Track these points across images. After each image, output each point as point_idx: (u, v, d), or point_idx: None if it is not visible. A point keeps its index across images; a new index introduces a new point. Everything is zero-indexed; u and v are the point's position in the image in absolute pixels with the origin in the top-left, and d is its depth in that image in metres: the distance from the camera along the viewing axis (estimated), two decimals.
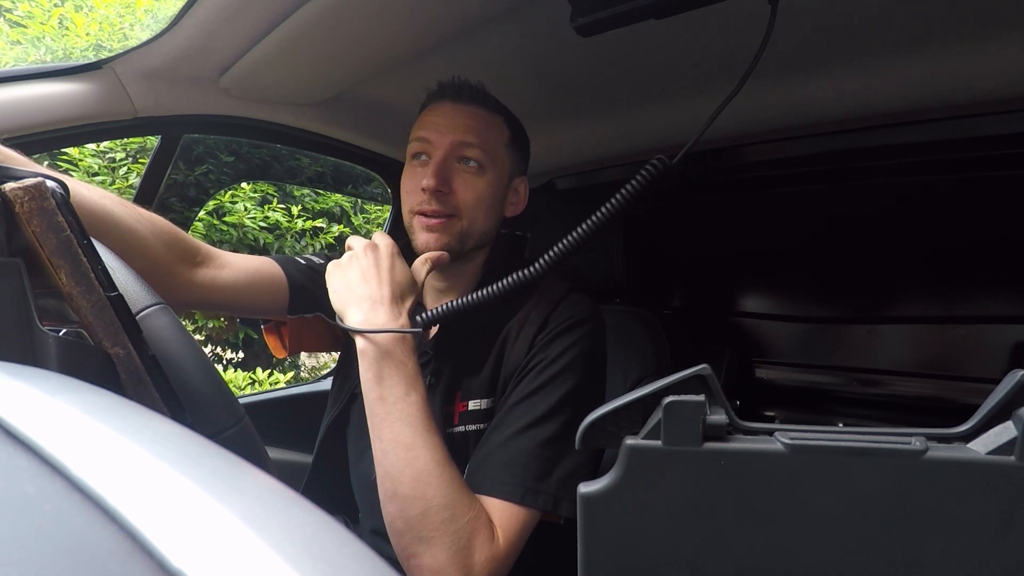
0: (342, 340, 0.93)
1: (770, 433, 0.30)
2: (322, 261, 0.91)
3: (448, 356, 0.82)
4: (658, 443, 0.30)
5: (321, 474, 0.93)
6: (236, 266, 0.82)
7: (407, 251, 0.81)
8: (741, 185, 1.29)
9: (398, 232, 1.49)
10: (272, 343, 0.90)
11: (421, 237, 0.80)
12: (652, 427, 0.30)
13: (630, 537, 0.30)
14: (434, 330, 0.82)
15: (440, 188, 0.78)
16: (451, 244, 0.80)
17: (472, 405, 0.79)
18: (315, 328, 0.89)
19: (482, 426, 0.77)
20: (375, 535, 0.84)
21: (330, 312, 0.79)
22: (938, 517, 0.28)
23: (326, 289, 0.78)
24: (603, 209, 0.67)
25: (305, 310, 0.86)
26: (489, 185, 0.82)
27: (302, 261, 0.91)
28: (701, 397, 0.30)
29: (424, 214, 0.79)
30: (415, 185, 0.80)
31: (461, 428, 0.78)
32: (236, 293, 0.81)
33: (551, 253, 0.68)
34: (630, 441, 0.30)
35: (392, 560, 0.68)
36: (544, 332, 0.79)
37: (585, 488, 0.31)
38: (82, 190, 0.63)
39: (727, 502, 0.30)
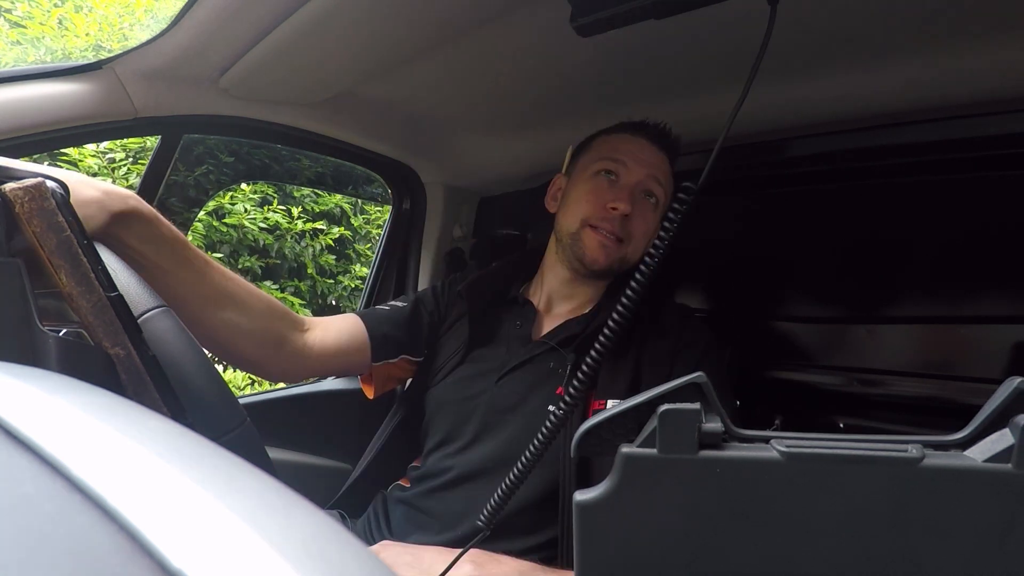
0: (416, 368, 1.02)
1: (766, 441, 0.30)
2: (404, 304, 1.00)
3: (584, 355, 0.87)
4: (653, 451, 0.30)
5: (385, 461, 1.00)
6: (336, 327, 0.89)
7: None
8: (739, 186, 1.29)
9: (398, 233, 1.49)
10: (366, 389, 1.00)
11: (593, 252, 0.88)
12: (647, 435, 0.30)
13: (626, 545, 0.30)
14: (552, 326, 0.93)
15: (628, 213, 0.86)
16: (613, 265, 0.89)
17: (611, 403, 0.83)
18: (399, 367, 0.98)
19: None
20: (400, 503, 0.90)
21: (408, 348, 0.95)
22: (935, 524, 0.28)
23: (405, 330, 0.93)
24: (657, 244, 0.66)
25: (385, 354, 0.93)
26: (656, 223, 0.92)
27: (386, 308, 0.99)
28: (696, 405, 0.30)
29: (602, 230, 0.87)
30: (599, 199, 0.88)
31: None
32: (339, 353, 0.88)
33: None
34: (625, 449, 0.30)
35: None
36: (684, 347, 0.88)
37: (581, 496, 0.31)
38: (216, 273, 0.69)
39: (723, 510, 0.30)
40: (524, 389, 0.88)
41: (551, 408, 0.84)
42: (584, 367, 0.62)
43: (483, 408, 0.88)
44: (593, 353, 0.83)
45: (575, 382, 0.84)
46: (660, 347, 0.87)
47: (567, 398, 0.55)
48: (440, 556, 0.73)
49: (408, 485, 0.94)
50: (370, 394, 0.98)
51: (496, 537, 0.81)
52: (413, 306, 0.99)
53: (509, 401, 0.88)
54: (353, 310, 1.09)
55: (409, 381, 1.05)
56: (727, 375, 0.90)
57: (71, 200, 0.51)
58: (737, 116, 1.12)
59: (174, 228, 0.64)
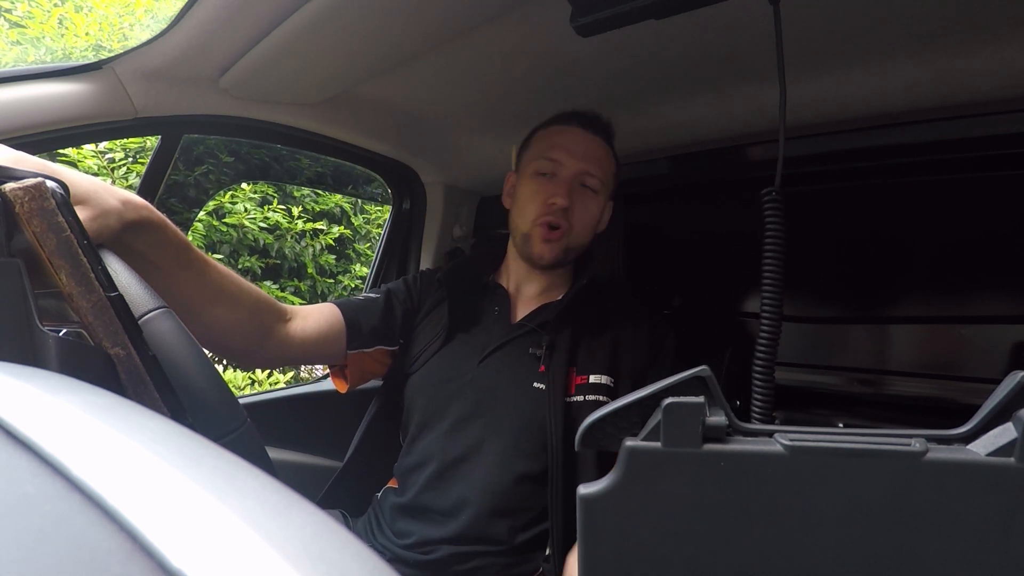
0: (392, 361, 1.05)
1: (770, 434, 0.30)
2: (377, 295, 1.02)
3: (560, 334, 0.93)
4: (658, 444, 0.30)
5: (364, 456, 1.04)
6: (314, 316, 0.91)
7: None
8: (740, 186, 1.29)
9: (398, 232, 1.49)
10: (338, 384, 1.01)
11: (539, 250, 0.95)
12: (652, 428, 0.30)
13: (630, 538, 0.30)
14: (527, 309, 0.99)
15: (568, 206, 0.92)
16: (559, 256, 0.95)
17: (593, 379, 0.91)
18: (374, 359, 1.00)
19: (603, 398, 0.89)
20: (402, 512, 0.92)
21: (384, 337, 0.97)
22: (938, 518, 0.28)
23: (380, 319, 0.96)
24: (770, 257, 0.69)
25: (360, 342, 0.96)
26: (598, 207, 0.98)
27: (359, 298, 1.01)
28: (700, 399, 0.30)
29: (549, 226, 0.93)
30: (541, 198, 0.94)
31: (579, 397, 0.89)
32: (318, 341, 0.90)
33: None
34: (630, 443, 0.30)
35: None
36: (660, 338, 0.97)
37: (585, 489, 0.31)
38: (214, 272, 0.71)
39: (727, 503, 0.30)
40: (507, 368, 0.92)
41: (536, 385, 0.89)
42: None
43: (468, 389, 0.92)
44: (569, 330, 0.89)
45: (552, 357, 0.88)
46: (636, 334, 0.96)
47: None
48: None
49: (397, 486, 0.96)
50: (342, 388, 1.00)
51: (494, 514, 0.85)
52: (386, 297, 1.02)
53: (494, 381, 0.92)
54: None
55: (386, 373, 1.07)
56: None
57: (92, 207, 0.52)
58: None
59: (179, 232, 0.66)
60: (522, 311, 1.00)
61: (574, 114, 0.99)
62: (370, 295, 1.02)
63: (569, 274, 1.04)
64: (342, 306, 0.95)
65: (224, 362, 3.62)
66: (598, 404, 0.87)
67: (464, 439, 0.89)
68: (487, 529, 0.85)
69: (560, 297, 0.99)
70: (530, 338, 0.94)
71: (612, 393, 0.90)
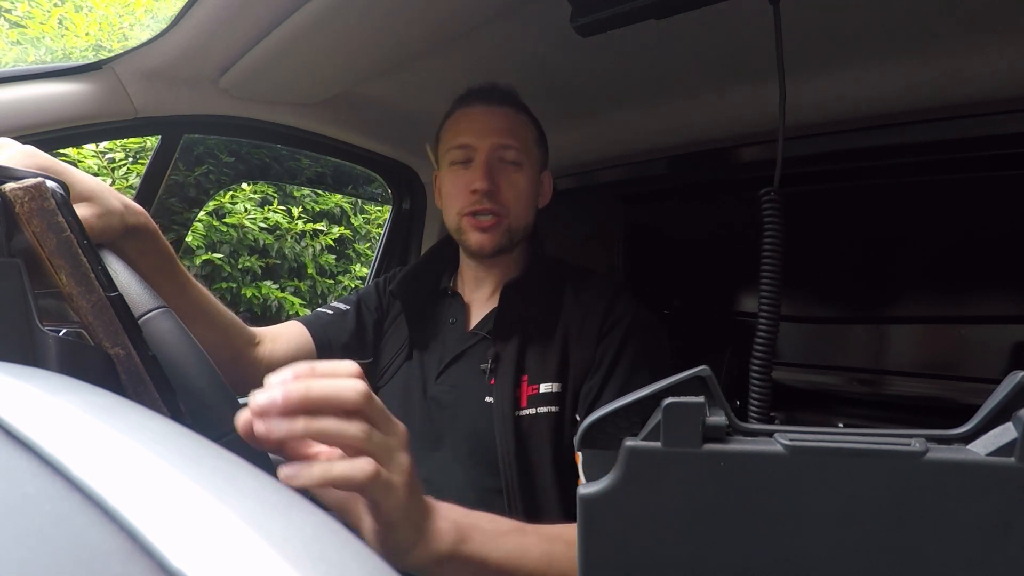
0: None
1: (770, 434, 0.30)
2: (347, 307, 0.98)
3: (507, 342, 0.85)
4: (657, 444, 0.30)
5: None
6: (284, 336, 0.89)
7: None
8: (739, 185, 1.29)
9: (398, 232, 1.49)
10: None
11: (474, 238, 0.86)
12: (651, 428, 0.30)
13: (629, 538, 0.30)
14: (480, 315, 0.90)
15: (491, 188, 0.84)
16: (502, 242, 0.86)
17: (544, 388, 0.82)
18: None
19: (554, 408, 0.81)
20: None
21: (356, 352, 0.94)
22: (938, 518, 0.28)
23: (351, 334, 0.93)
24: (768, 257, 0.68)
25: (329, 359, 0.90)
26: (528, 181, 0.88)
27: (328, 312, 0.97)
28: (700, 398, 0.30)
29: (475, 214, 0.85)
30: (461, 188, 0.86)
31: (531, 411, 0.81)
32: (286, 361, 0.85)
33: None
34: (629, 442, 0.30)
35: None
36: (611, 326, 0.83)
37: (584, 489, 0.31)
38: (194, 289, 0.69)
39: (727, 503, 0.30)
40: (461, 382, 0.87)
41: (487, 399, 0.83)
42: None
43: (427, 407, 0.87)
44: (515, 339, 0.83)
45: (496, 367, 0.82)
46: (586, 327, 0.84)
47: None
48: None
49: None
50: None
51: None
52: (356, 308, 0.98)
53: (449, 397, 0.87)
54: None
55: None
56: (663, 355, 0.85)
57: (98, 206, 0.52)
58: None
59: (168, 245, 0.65)
60: (475, 318, 0.93)
61: (470, 92, 0.91)
62: (340, 306, 0.98)
63: (522, 263, 0.94)
64: (310, 325, 0.92)
65: None
66: (550, 416, 0.80)
67: (424, 461, 0.84)
68: None
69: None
70: (483, 346, 0.87)
71: (560, 401, 0.81)
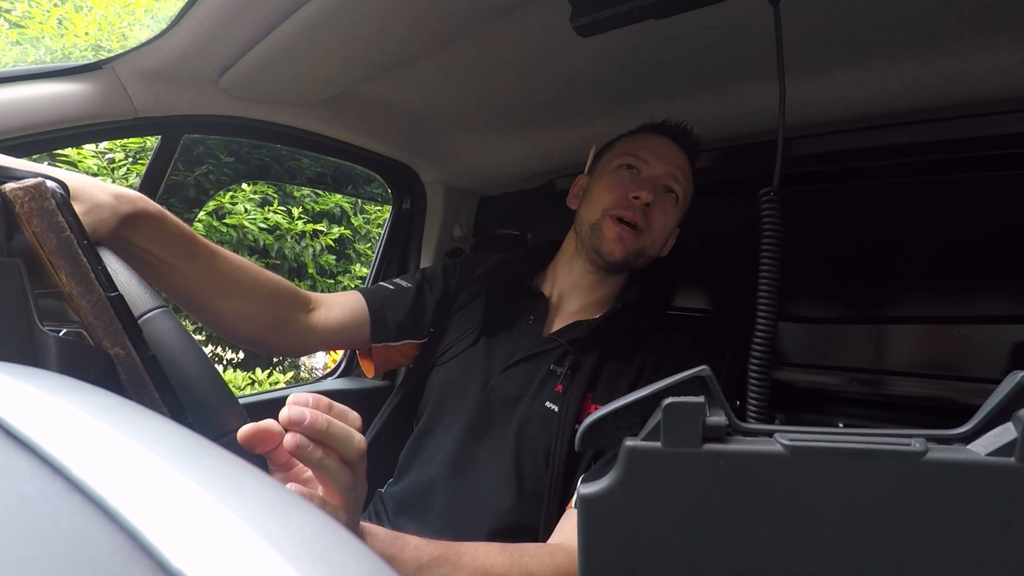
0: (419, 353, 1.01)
1: (770, 434, 0.30)
2: (409, 285, 0.99)
3: (586, 356, 0.87)
4: (657, 444, 0.30)
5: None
6: (340, 304, 0.89)
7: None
8: (739, 185, 1.29)
9: (398, 233, 1.49)
10: (365, 367, 0.99)
11: (610, 243, 0.88)
12: (652, 428, 0.30)
13: (630, 538, 0.30)
14: (564, 322, 0.93)
15: (650, 203, 0.87)
16: (630, 257, 0.90)
17: None
18: (400, 352, 0.98)
19: None
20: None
21: (412, 331, 0.94)
22: (938, 518, 0.28)
23: (408, 312, 0.93)
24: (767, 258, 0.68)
25: (385, 336, 0.93)
26: (674, 219, 0.94)
27: (390, 287, 0.98)
28: (701, 399, 0.30)
29: (622, 220, 0.87)
30: (621, 191, 0.89)
31: None
32: (340, 332, 0.88)
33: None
34: (630, 442, 0.30)
35: None
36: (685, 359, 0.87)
37: (585, 489, 0.31)
38: (222, 263, 0.70)
39: (727, 503, 0.30)
40: (526, 383, 0.88)
41: (548, 405, 0.85)
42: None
43: (485, 397, 0.89)
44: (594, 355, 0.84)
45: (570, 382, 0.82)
46: (660, 370, 0.86)
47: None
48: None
49: (394, 474, 0.94)
50: (369, 373, 0.98)
51: (489, 530, 0.81)
52: (418, 287, 0.98)
53: (511, 393, 0.88)
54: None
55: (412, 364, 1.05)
56: (722, 377, 0.90)
57: (82, 203, 0.52)
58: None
59: (180, 223, 0.65)
60: (557, 324, 0.94)
61: (664, 124, 0.96)
62: (402, 283, 0.99)
63: (618, 290, 0.97)
64: (368, 296, 0.92)
65: (224, 362, 3.63)
66: None
67: (469, 448, 0.86)
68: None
69: (598, 316, 0.93)
70: (556, 354, 0.89)
71: None
